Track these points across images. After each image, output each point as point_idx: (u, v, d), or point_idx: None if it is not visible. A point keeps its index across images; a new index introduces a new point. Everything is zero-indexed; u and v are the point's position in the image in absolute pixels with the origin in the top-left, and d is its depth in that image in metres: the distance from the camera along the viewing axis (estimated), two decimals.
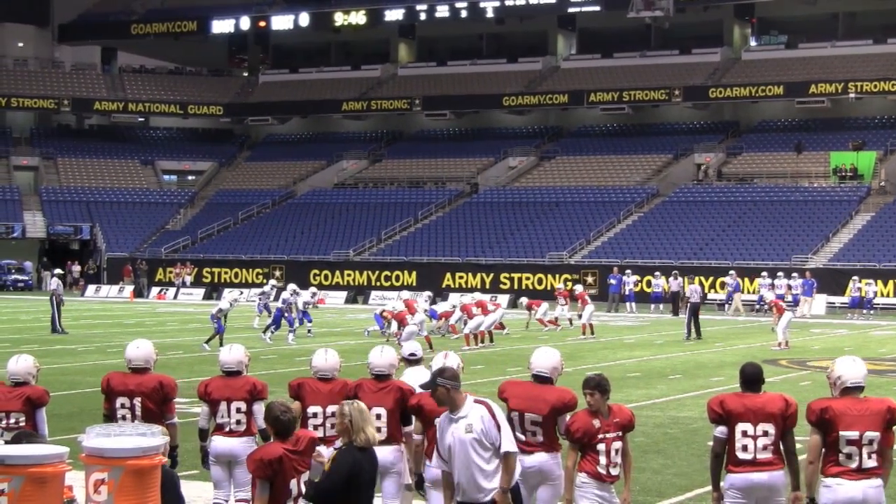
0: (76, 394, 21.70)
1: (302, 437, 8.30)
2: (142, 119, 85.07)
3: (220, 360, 11.43)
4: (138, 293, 63.13)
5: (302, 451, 8.20)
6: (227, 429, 11.12)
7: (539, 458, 9.79)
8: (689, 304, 36.94)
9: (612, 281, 52.00)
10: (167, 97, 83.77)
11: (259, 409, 11.14)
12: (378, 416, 10.44)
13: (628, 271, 52.45)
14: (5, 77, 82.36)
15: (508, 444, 8.66)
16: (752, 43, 77.29)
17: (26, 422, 11.11)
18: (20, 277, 67.94)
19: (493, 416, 8.64)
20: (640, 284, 52.47)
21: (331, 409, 10.71)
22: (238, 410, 11.06)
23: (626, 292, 51.61)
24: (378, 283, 59.45)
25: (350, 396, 10.62)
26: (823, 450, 8.94)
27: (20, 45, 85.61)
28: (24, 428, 10.97)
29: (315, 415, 10.81)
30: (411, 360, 11.82)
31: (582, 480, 9.54)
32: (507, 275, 58.46)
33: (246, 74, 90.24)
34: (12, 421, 11.13)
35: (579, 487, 9.54)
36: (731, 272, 51.54)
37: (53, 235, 74.43)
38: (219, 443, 11.10)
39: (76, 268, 71.20)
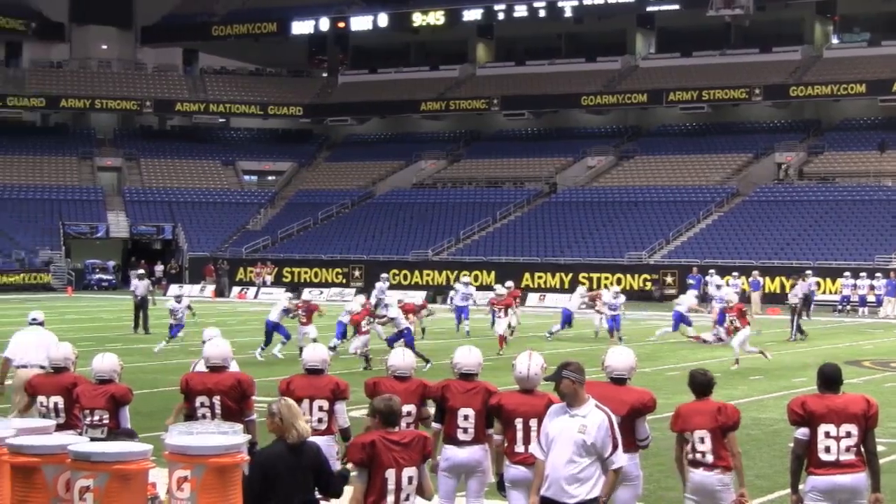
0: (158, 392, 21.94)
1: (410, 433, 8.30)
2: (223, 120, 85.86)
3: (303, 358, 11.48)
4: (219, 293, 63.62)
5: (406, 444, 8.16)
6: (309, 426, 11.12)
7: None
8: (804, 301, 36.43)
9: (692, 281, 51.54)
10: (248, 98, 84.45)
11: (341, 408, 11.20)
12: (465, 417, 10.36)
13: (711, 271, 51.92)
14: (89, 79, 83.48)
15: (622, 459, 8.64)
16: (834, 40, 76.40)
17: (110, 419, 11.28)
18: (104, 277, 68.85)
19: (612, 427, 8.58)
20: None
21: (406, 408, 10.69)
22: (320, 409, 11.08)
23: (710, 292, 51.03)
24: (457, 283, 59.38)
25: (436, 397, 10.59)
26: None
27: (104, 47, 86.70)
28: (109, 425, 11.16)
29: None
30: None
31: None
32: (585, 275, 58.20)
33: (325, 75, 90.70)
34: (97, 418, 11.31)
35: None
36: (754, 272, 50.68)
37: (136, 235, 75.33)
38: None
39: (158, 267, 71.90)
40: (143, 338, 35.50)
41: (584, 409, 8.60)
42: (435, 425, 10.53)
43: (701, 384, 9.77)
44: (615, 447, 8.53)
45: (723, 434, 9.50)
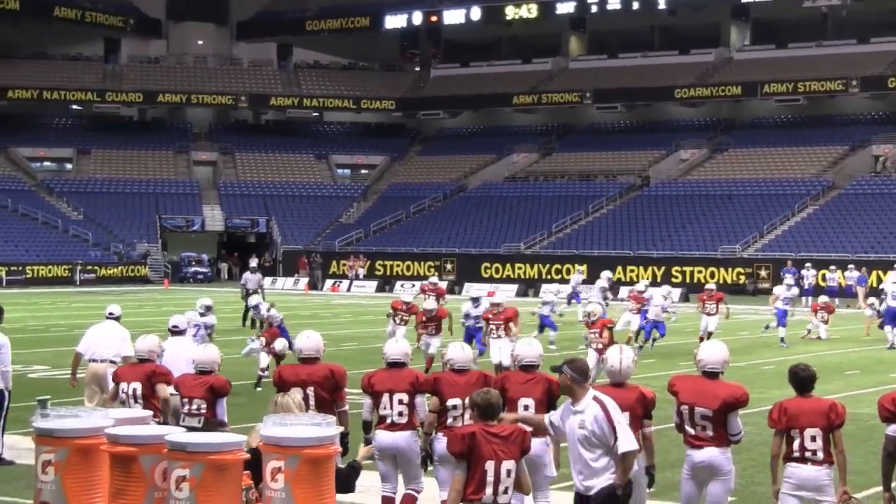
0: (254, 384, 22.20)
1: (510, 427, 8.37)
2: (316, 114, 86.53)
3: (384, 351, 11.52)
4: (313, 285, 64.10)
5: (506, 437, 8.22)
6: (389, 420, 11.12)
7: (709, 453, 9.69)
8: None
9: (787, 275, 50.88)
10: (341, 92, 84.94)
11: (421, 401, 11.18)
12: (525, 407, 10.40)
13: (808, 265, 51.32)
14: (186, 74, 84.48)
15: (626, 444, 8.57)
16: None
17: (207, 409, 11.52)
18: (200, 269, 69.70)
19: (608, 415, 8.57)
20: (815, 278, 51.31)
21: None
22: (400, 402, 11.08)
23: (806, 286, 50.47)
24: (549, 277, 59.16)
25: (497, 387, 10.60)
26: None
27: (200, 43, 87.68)
28: (206, 415, 11.38)
29: (455, 407, 10.78)
30: (174, 332, 14.89)
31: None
32: (678, 268, 57.85)
33: (418, 69, 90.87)
34: (194, 407, 11.57)
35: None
36: (850, 266, 49.97)
37: (231, 229, 76.17)
38: (382, 437, 11.12)
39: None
40: (242, 330, 35.41)
41: (581, 405, 8.70)
42: None
43: (804, 379, 9.72)
44: (616, 434, 8.53)
45: (832, 431, 9.52)
